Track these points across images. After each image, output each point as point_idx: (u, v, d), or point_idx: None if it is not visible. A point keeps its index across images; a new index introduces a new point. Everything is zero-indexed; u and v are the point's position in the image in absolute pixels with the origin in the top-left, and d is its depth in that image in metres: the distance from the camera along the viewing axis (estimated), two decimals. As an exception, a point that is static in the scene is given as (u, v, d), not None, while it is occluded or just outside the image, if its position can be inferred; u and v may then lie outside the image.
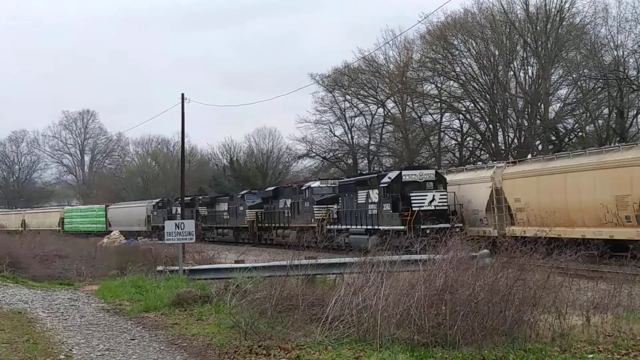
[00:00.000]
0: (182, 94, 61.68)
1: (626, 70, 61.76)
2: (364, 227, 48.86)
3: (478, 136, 78.91)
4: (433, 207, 44.07)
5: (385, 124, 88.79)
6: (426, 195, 44.47)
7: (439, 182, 46.43)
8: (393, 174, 47.67)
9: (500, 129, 73.63)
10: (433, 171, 48.60)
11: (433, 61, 77.22)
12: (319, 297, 16.92)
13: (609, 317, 15.62)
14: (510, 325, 14.43)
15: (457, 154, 77.48)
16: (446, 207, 44.69)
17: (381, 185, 47.09)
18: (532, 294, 15.10)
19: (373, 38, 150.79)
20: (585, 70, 65.29)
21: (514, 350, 13.78)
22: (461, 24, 73.86)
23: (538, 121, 67.59)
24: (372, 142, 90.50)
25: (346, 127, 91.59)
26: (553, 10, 68.33)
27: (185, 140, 67.96)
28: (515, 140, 71.95)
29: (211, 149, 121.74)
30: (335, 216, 55.37)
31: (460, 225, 42.67)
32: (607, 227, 35.57)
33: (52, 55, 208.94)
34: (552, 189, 39.12)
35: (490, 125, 74.67)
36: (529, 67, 71.43)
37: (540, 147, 68.35)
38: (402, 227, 42.27)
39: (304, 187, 62.45)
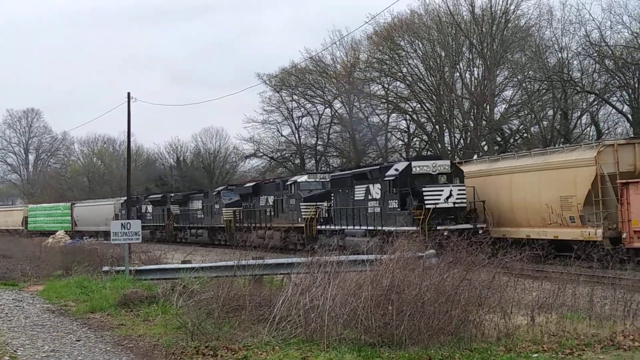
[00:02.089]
0: (128, 93, 61.93)
1: (570, 72, 62.38)
2: (363, 227, 42.52)
3: (425, 137, 79.25)
4: (451, 204, 37.77)
5: (332, 124, 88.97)
6: (442, 190, 37.93)
7: (455, 175, 39.98)
8: (401, 165, 41.05)
9: (446, 130, 74.01)
10: (448, 162, 41.85)
11: (380, 62, 77.44)
12: (266, 298, 16.92)
13: (553, 316, 15.79)
14: (456, 325, 14.52)
15: (404, 155, 77.51)
16: (465, 204, 38.59)
17: (386, 178, 40.64)
18: (477, 294, 15.23)
19: (320, 39, 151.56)
20: (530, 72, 65.80)
21: (460, 350, 13.87)
22: (408, 25, 74.14)
23: (484, 122, 68.02)
24: (319, 142, 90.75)
25: (293, 127, 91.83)
26: (498, 12, 68.82)
27: (132, 139, 67.84)
28: (462, 141, 72.37)
29: (158, 149, 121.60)
30: (326, 215, 49.57)
31: (484, 226, 37.63)
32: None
33: None
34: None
35: (437, 126, 75.04)
36: (475, 69, 71.94)
37: (485, 147, 68.87)
38: (414, 229, 34.78)
39: (289, 182, 56.20)
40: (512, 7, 68.94)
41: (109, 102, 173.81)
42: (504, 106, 71.62)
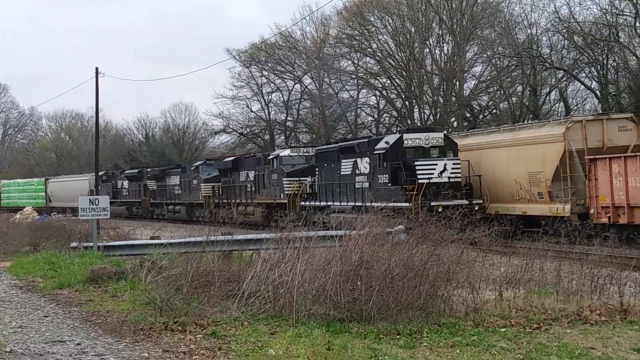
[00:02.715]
0: (97, 68, 61.39)
1: (539, 49, 62.68)
2: (351, 203, 40.47)
3: (394, 113, 79.48)
4: (445, 179, 35.68)
5: (302, 100, 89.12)
6: (435, 164, 35.82)
7: (449, 148, 37.78)
8: (392, 138, 38.77)
9: (416, 106, 74.17)
10: (442, 134, 39.47)
11: (349, 37, 77.45)
12: (236, 273, 16.89)
13: (521, 291, 15.88)
14: (424, 300, 14.56)
15: (374, 130, 77.58)
16: (460, 179, 36.72)
17: (375, 152, 38.54)
18: (446, 269, 15.29)
19: (290, 14, 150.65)
20: (499, 48, 66.09)
21: (428, 325, 13.92)
22: (377, 0, 74.03)
23: (453, 98, 68.22)
24: (289, 118, 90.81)
25: (263, 103, 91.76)
26: (469, -13, 68.92)
27: (100, 115, 67.29)
28: (431, 117, 72.41)
29: (126, 124, 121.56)
30: (309, 190, 47.67)
31: (481, 202, 35.99)
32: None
33: None
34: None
35: (407, 102, 75.21)
36: (445, 45, 72.14)
37: (455, 123, 69.08)
38: (406, 205, 34.51)
39: (271, 157, 53.86)
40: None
41: (77, 77, 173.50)
42: (473, 82, 72.09)
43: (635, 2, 55.54)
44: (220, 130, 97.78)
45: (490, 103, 70.87)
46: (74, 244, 27.41)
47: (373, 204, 34.89)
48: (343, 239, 16.30)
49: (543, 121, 41.47)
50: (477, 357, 12.04)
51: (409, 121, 71.62)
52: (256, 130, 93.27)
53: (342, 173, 42.48)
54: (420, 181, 35.25)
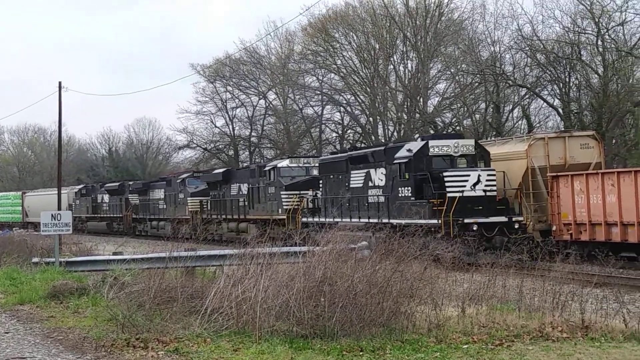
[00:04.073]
0: (60, 82, 60.83)
1: (502, 66, 63.01)
2: (363, 220, 35.93)
3: (359, 129, 79.60)
4: (481, 192, 31.67)
5: (266, 115, 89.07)
6: (468, 175, 31.78)
7: (480, 157, 33.61)
8: (415, 146, 34.23)
9: (380, 122, 74.38)
10: (472, 141, 35.07)
11: (314, 54, 77.75)
12: (199, 289, 16.84)
13: (483, 308, 15.94)
14: (387, 317, 14.61)
15: (338, 147, 77.69)
16: (495, 192, 32.63)
17: (395, 161, 33.95)
18: (409, 286, 15.33)
19: (255, 30, 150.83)
20: (463, 65, 66.47)
21: (392, 341, 13.94)
22: (342, 17, 74.42)
23: (417, 115, 68.50)
24: (253, 134, 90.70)
25: (227, 118, 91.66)
26: (432, 5, 69.41)
27: (63, 129, 66.61)
28: (395, 134, 72.61)
29: (89, 139, 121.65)
30: (312, 205, 43.39)
31: (521, 219, 32.37)
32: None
33: None
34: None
35: (371, 118, 75.44)
36: (409, 62, 72.53)
37: (419, 140, 69.11)
38: (435, 222, 30.56)
39: (267, 168, 49.53)
40: (446, 1, 69.80)
41: (40, 91, 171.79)
42: (437, 99, 72.40)
43: (597, 20, 56.06)
44: (184, 146, 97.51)
45: (453, 120, 71.10)
46: (35, 260, 27.25)
47: (392, 220, 33.20)
48: (307, 255, 16.30)
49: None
50: (440, 373, 12.09)
51: (372, 137, 71.81)
52: (220, 146, 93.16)
53: (351, 186, 38.21)
54: (450, 195, 31.14)
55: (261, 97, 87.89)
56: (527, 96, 64.05)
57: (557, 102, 61.71)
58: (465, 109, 67.75)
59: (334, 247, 16.17)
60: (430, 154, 32.69)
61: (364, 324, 14.25)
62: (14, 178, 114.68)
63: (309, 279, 14.83)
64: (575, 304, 15.92)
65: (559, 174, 34.27)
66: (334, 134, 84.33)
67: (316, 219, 39.92)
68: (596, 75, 57.36)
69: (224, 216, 53.91)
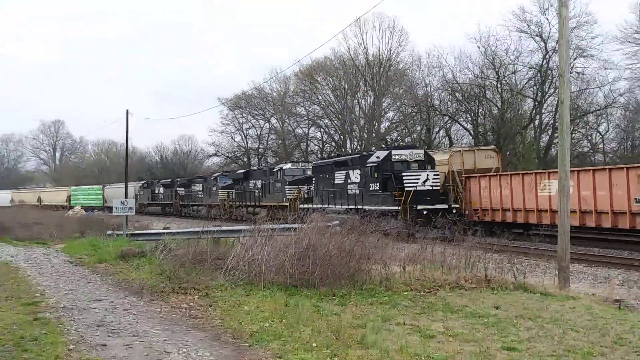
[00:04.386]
0: (127, 110, 60.46)
1: (432, 101, 63.18)
2: (344, 206, 35.34)
3: (333, 143, 79.53)
4: (429, 187, 31.09)
5: (270, 133, 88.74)
6: (420, 175, 31.22)
7: (428, 162, 33.00)
8: (382, 154, 33.76)
9: (348, 139, 74.35)
10: (422, 151, 34.48)
11: (303, 91, 77.73)
12: (222, 253, 16.81)
13: (418, 267, 15.99)
14: (352, 273, 14.65)
15: (319, 156, 77.50)
16: (439, 187, 32.15)
17: (368, 165, 33.65)
18: (367, 251, 15.38)
19: (262, 74, 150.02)
20: (405, 100, 66.62)
21: (355, 290, 14.02)
22: (322, 66, 74.34)
23: (373, 134, 68.53)
24: (260, 147, 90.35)
25: (242, 136, 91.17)
26: (384, 58, 69.42)
27: (129, 142, 66.31)
28: (358, 147, 72.61)
29: (147, 149, 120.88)
30: (306, 196, 42.79)
31: (458, 206, 32.13)
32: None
33: (29, 69, 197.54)
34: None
35: (342, 137, 75.39)
36: (368, 97, 72.36)
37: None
38: (396, 208, 30.37)
39: (275, 169, 49.55)
40: (393, 56, 69.74)
41: (115, 111, 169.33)
42: (387, 123, 72.20)
43: (497, 70, 56.32)
44: (212, 154, 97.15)
45: (398, 138, 71.14)
46: (109, 232, 27.31)
47: (365, 207, 32.36)
48: (297, 230, 16.32)
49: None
50: (388, 312, 12.13)
51: (343, 149, 71.71)
52: (237, 154, 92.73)
53: (335, 182, 37.58)
54: (407, 189, 30.65)
55: (266, 121, 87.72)
56: (449, 122, 64.20)
57: (469, 126, 61.92)
58: (407, 130, 67.84)
59: (315, 224, 16.19)
60: (392, 160, 32.36)
61: (336, 277, 14.30)
62: (95, 176, 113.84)
63: (298, 246, 14.86)
64: (480, 264, 16.05)
65: (470, 175, 34.54)
66: (316, 147, 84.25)
67: (310, 205, 38.98)
68: (496, 108, 57.62)
69: (244, 203, 53.12)
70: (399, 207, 30.27)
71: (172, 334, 10.66)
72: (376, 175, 32.66)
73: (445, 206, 30.72)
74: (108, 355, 9.42)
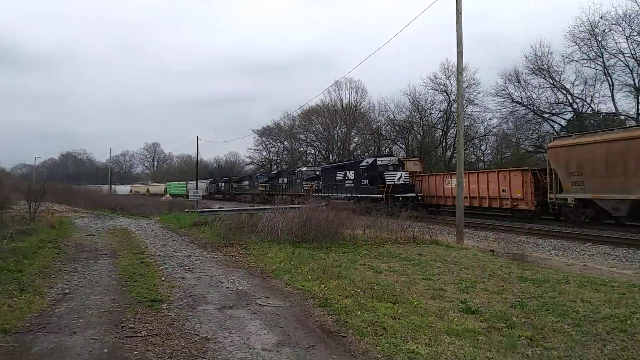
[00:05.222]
0: (197, 137, 59.92)
1: (381, 131, 63.04)
2: (343, 195, 32.89)
3: (321, 157, 79.35)
4: (402, 182, 29.23)
5: (283, 151, 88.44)
6: (396, 174, 29.57)
7: (400, 166, 31.23)
8: (370, 160, 32.18)
9: (330, 155, 74.17)
10: (396, 158, 33.04)
11: (304, 126, 77.52)
12: (255, 222, 16.76)
13: (372, 230, 16.01)
14: (333, 234, 14.63)
15: (314, 166, 76.85)
16: (409, 182, 30.04)
17: (360, 167, 31.89)
18: (342, 221, 15.38)
19: (279, 113, 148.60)
20: (365, 131, 66.47)
21: (334, 244, 13.98)
22: (315, 110, 74.12)
23: (346, 151, 68.35)
24: (277, 158, 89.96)
25: (267, 152, 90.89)
26: (352, 106, 69.35)
27: (199, 157, 65.89)
28: (337, 159, 72.49)
29: (209, 159, 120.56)
30: (317, 188, 39.52)
31: (422, 194, 29.80)
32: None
33: (138, 110, 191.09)
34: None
35: (327, 153, 75.15)
36: (342, 129, 72.11)
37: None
38: (381, 195, 28.52)
39: (296, 171, 46.70)
40: (358, 104, 69.51)
41: (191, 131, 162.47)
42: (354, 145, 72.02)
43: (420, 111, 56.27)
44: (249, 163, 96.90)
45: (360, 153, 70.92)
46: (187, 210, 27.18)
47: (358, 195, 30.75)
48: (301, 209, 16.34)
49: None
50: (354, 257, 12.13)
51: (328, 161, 71.57)
52: (264, 163, 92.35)
53: (337, 179, 35.48)
54: (388, 183, 29.00)
55: (281, 143, 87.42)
56: (391, 144, 64.09)
57: (403, 146, 61.76)
58: (365, 149, 67.75)
59: (310, 205, 16.20)
60: (377, 164, 30.60)
61: (323, 237, 14.28)
62: (177, 177, 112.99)
63: (300, 218, 14.86)
64: (410, 229, 16.03)
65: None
66: (311, 159, 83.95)
67: (319, 194, 36.56)
68: (419, 135, 57.51)
69: (276, 193, 49.79)
70: (382, 195, 28.47)
71: (224, 271, 10.67)
72: (366, 174, 30.99)
73: (414, 194, 28.74)
74: (186, 283, 9.43)
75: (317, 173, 42.62)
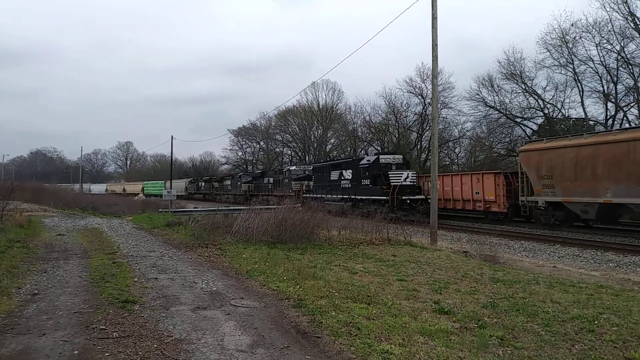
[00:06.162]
0: (172, 136, 59.10)
1: (357, 133, 63.38)
2: (339, 196, 29.74)
3: (297, 158, 79.38)
4: (409, 183, 25.95)
5: (260, 153, 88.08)
6: (402, 174, 26.21)
7: (406, 164, 27.89)
8: (372, 158, 28.90)
9: (306, 155, 74.19)
10: (401, 156, 28.85)
11: (280, 127, 77.36)
12: (230, 223, 16.68)
13: (347, 231, 16.08)
14: (308, 235, 14.66)
15: (290, 165, 76.84)
16: (415, 183, 26.68)
17: (360, 165, 28.50)
18: (318, 222, 15.41)
19: (255, 113, 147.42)
20: (342, 132, 66.69)
21: (310, 245, 14.00)
22: (292, 110, 74.17)
23: (322, 153, 68.49)
24: (253, 159, 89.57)
25: (242, 152, 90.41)
26: (329, 107, 69.62)
27: (174, 156, 65.04)
28: (314, 160, 72.56)
29: (185, 160, 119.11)
30: (306, 189, 36.64)
31: (429, 196, 25.23)
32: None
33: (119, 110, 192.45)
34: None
35: (303, 153, 75.18)
36: (319, 130, 72.28)
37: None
38: (385, 197, 25.45)
39: (284, 169, 43.49)
40: (334, 105, 69.90)
41: (164, 134, 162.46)
42: (330, 146, 72.27)
43: (395, 114, 56.80)
44: (224, 163, 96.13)
45: (336, 154, 71.27)
46: (160, 210, 26.82)
47: (357, 197, 27.89)
48: (276, 209, 16.29)
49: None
50: (329, 258, 12.16)
51: (304, 161, 71.74)
52: (239, 163, 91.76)
53: (331, 179, 31.78)
54: (393, 184, 25.77)
55: (257, 143, 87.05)
56: (366, 145, 64.47)
57: (379, 149, 62.08)
58: (342, 150, 67.94)
59: (286, 206, 16.18)
60: (380, 162, 27.10)
61: (299, 237, 14.30)
62: (152, 176, 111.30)
63: (276, 219, 14.84)
64: (385, 230, 16.16)
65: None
66: (287, 159, 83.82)
67: (310, 195, 33.55)
68: (395, 137, 58.00)
69: (260, 193, 46.72)
70: (387, 197, 25.44)
71: (198, 272, 10.56)
72: (367, 174, 27.59)
73: (422, 197, 25.55)
74: (159, 284, 9.30)
75: (308, 172, 39.84)
